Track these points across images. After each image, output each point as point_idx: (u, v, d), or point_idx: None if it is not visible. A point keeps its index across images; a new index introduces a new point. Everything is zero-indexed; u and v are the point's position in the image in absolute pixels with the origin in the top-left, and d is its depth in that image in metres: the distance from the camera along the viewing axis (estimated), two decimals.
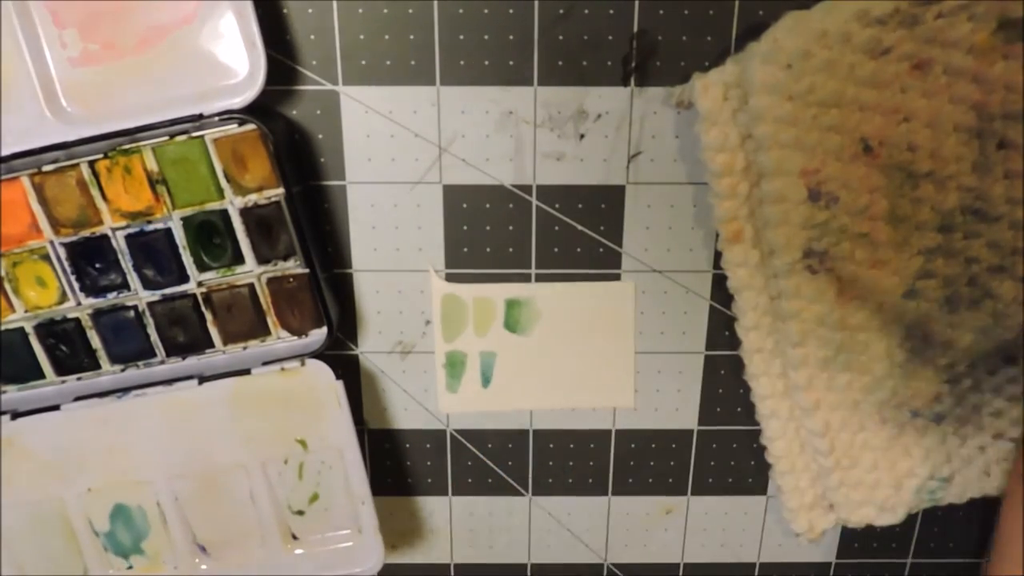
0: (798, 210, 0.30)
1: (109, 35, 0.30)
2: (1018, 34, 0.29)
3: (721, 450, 0.39)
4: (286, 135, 0.33)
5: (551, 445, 0.38)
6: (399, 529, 0.40)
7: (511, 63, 0.32)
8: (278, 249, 0.32)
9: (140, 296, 0.33)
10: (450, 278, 0.35)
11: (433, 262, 0.35)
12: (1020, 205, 0.31)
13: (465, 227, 0.35)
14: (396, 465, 0.39)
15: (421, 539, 0.40)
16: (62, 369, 0.34)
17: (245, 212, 0.32)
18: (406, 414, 0.38)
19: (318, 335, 0.34)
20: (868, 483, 0.36)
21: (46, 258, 0.32)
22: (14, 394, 0.34)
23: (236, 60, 0.30)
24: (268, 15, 0.31)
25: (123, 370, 0.34)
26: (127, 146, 0.30)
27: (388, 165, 0.34)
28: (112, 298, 0.33)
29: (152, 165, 0.31)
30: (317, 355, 0.33)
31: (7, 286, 0.32)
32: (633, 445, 0.38)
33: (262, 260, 0.32)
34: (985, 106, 0.30)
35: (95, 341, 0.33)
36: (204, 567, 0.36)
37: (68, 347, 0.33)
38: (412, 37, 0.32)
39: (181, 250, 0.32)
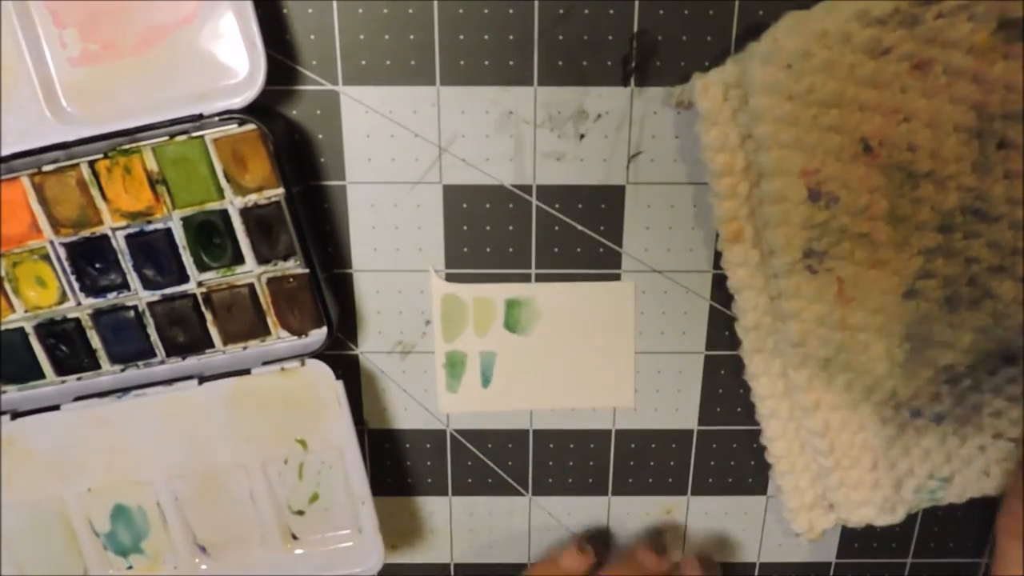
0: (798, 210, 0.30)
1: (109, 35, 0.30)
2: (1018, 34, 0.29)
3: (721, 450, 0.39)
4: (286, 135, 0.33)
5: (551, 445, 0.38)
6: (399, 529, 0.40)
7: (511, 63, 0.32)
8: (278, 249, 0.32)
9: (140, 296, 0.33)
10: (450, 278, 0.35)
11: (433, 262, 0.35)
12: (1020, 205, 0.31)
13: (465, 227, 0.35)
14: (396, 465, 0.39)
15: (421, 539, 0.40)
16: (62, 369, 0.34)
17: (245, 212, 0.32)
18: (406, 414, 0.38)
19: (318, 335, 0.34)
20: (868, 483, 0.36)
21: (46, 258, 0.32)
22: (14, 394, 0.34)
23: (236, 60, 0.30)
24: (268, 15, 0.31)
25: (123, 370, 0.34)
26: (127, 146, 0.30)
27: (388, 165, 0.34)
28: (112, 298, 0.33)
29: (152, 165, 0.31)
30: (317, 355, 0.33)
31: (7, 286, 0.32)
32: (633, 445, 0.38)
33: (262, 260, 0.32)
34: (985, 106, 0.30)
35: (95, 341, 0.33)
36: (204, 567, 0.36)
37: (68, 347, 0.33)
38: (412, 37, 0.32)
39: (181, 250, 0.32)
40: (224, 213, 0.32)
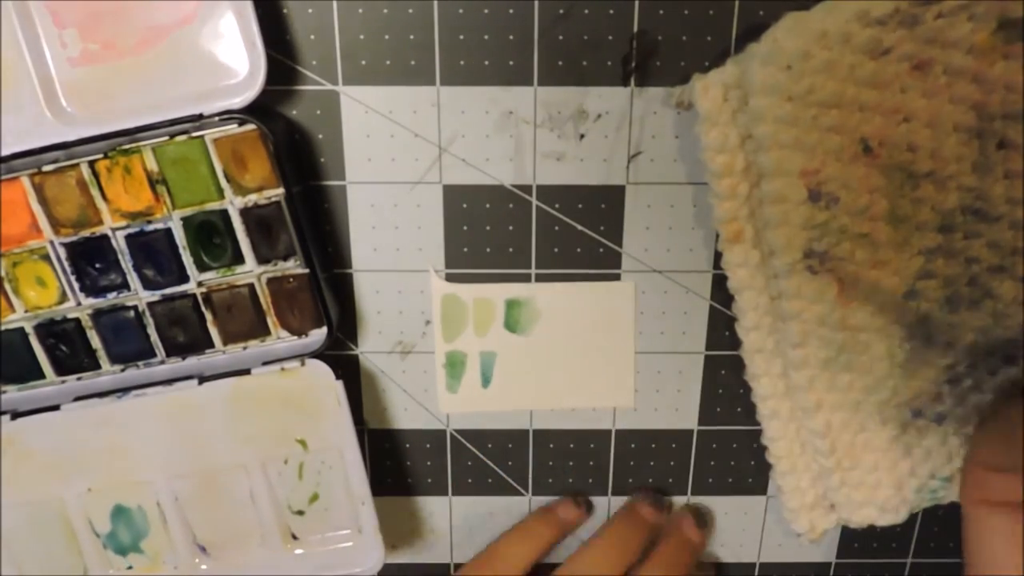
0: (798, 210, 0.30)
1: (109, 35, 0.30)
2: (1018, 34, 0.29)
3: (721, 450, 0.39)
4: (286, 135, 0.33)
5: (551, 445, 0.38)
6: (399, 529, 0.40)
7: (511, 63, 0.32)
8: (278, 249, 0.32)
9: (140, 296, 0.33)
10: (450, 278, 0.35)
11: (433, 262, 0.35)
12: (1020, 205, 0.31)
13: (465, 227, 0.35)
14: (396, 465, 0.39)
15: (421, 539, 0.40)
16: (62, 369, 0.34)
17: (245, 212, 0.32)
18: (406, 414, 0.38)
19: (318, 335, 0.34)
20: (869, 483, 0.36)
21: (46, 258, 0.32)
22: (14, 394, 0.34)
23: (236, 60, 0.30)
24: (268, 15, 0.31)
25: (123, 370, 0.34)
26: (127, 146, 0.30)
27: (388, 165, 0.34)
28: (112, 298, 0.33)
29: (152, 165, 0.31)
30: (317, 355, 0.33)
31: (7, 286, 0.32)
32: (633, 445, 0.38)
33: (262, 260, 0.32)
34: (985, 106, 0.30)
35: (95, 341, 0.33)
36: (204, 567, 0.36)
37: (68, 347, 0.33)
38: (412, 37, 0.32)
39: (181, 250, 0.32)
40: (224, 213, 0.32)
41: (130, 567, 0.36)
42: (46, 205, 0.31)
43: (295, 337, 0.34)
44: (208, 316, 0.33)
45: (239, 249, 0.32)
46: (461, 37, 0.32)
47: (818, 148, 0.30)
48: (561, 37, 0.32)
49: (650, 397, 0.37)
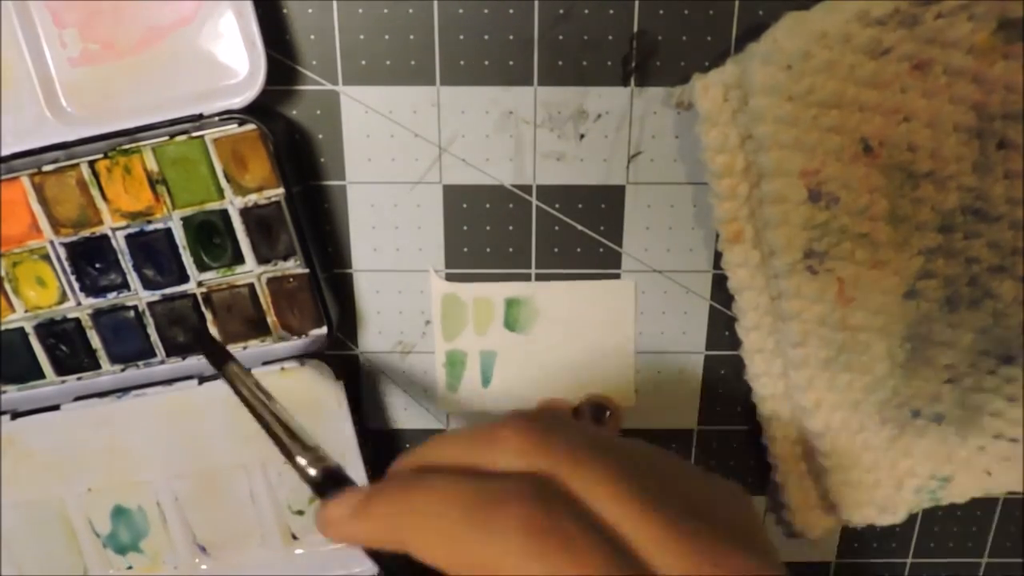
0: (798, 211, 0.30)
1: (109, 35, 0.30)
2: (1018, 34, 0.29)
3: (721, 450, 0.39)
4: (286, 135, 0.33)
5: None
6: None
7: (511, 63, 0.32)
8: (278, 249, 0.32)
9: (140, 296, 0.33)
10: (450, 278, 0.35)
11: (433, 262, 0.35)
12: (1020, 205, 0.31)
13: (465, 227, 0.35)
14: None
15: None
16: (62, 369, 0.34)
17: (245, 212, 0.32)
18: (406, 414, 0.38)
19: (318, 335, 0.34)
20: (869, 483, 0.36)
21: (46, 258, 0.32)
22: (14, 394, 0.34)
23: (236, 60, 0.30)
24: (268, 15, 0.31)
25: (123, 370, 0.34)
26: (127, 146, 0.30)
27: (388, 165, 0.34)
28: (112, 298, 0.33)
29: (152, 165, 0.31)
30: (317, 355, 0.33)
31: (7, 286, 0.32)
32: None
33: (262, 260, 0.32)
34: (985, 106, 0.30)
35: (95, 341, 0.33)
36: (204, 567, 0.36)
37: (68, 347, 0.33)
38: (412, 37, 0.32)
39: (181, 250, 0.32)
40: (224, 213, 0.32)
41: (130, 567, 0.36)
42: (46, 205, 0.31)
43: (295, 337, 0.34)
44: (208, 316, 0.33)
45: (239, 249, 0.32)
46: (461, 37, 0.32)
47: (818, 148, 0.30)
48: (561, 37, 0.32)
49: (650, 397, 0.37)
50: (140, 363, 0.34)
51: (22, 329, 0.33)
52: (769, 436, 0.36)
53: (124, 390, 0.34)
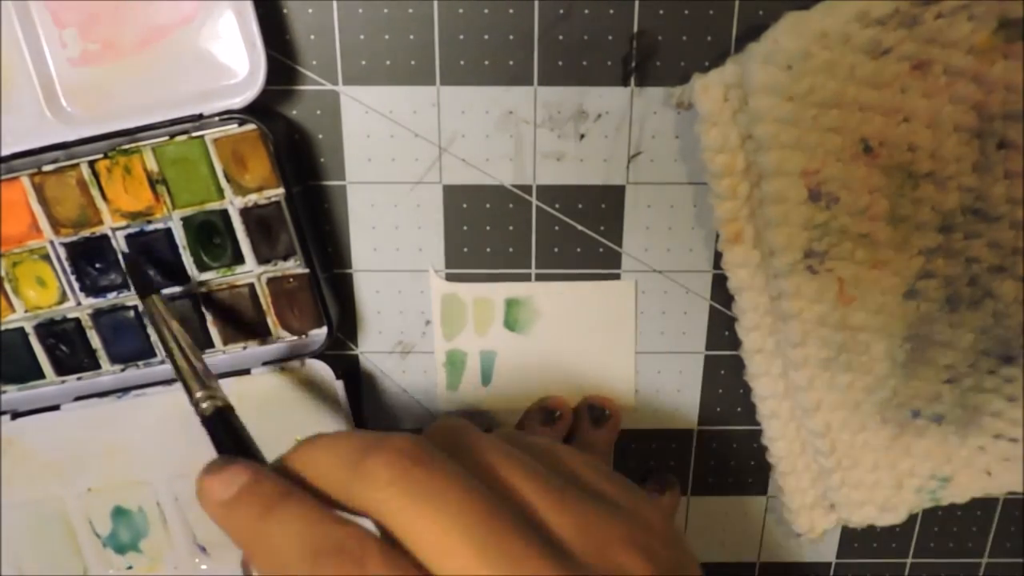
0: (798, 211, 0.30)
1: (109, 35, 0.30)
2: (1018, 34, 0.29)
3: (721, 450, 0.39)
4: (286, 135, 0.33)
5: None
6: None
7: (511, 63, 0.32)
8: (278, 249, 0.32)
9: None
10: (450, 278, 0.35)
11: (433, 262, 0.35)
12: (1020, 205, 0.31)
13: (465, 227, 0.35)
14: None
15: None
16: (62, 369, 0.34)
17: (245, 212, 0.32)
18: (406, 414, 0.38)
19: (318, 335, 0.34)
20: (869, 483, 0.36)
21: (46, 258, 0.32)
22: (14, 394, 0.34)
23: (236, 60, 0.30)
24: (268, 15, 0.31)
25: (123, 370, 0.34)
26: (127, 146, 0.30)
27: (388, 165, 0.34)
28: (112, 298, 0.33)
29: (152, 165, 0.31)
30: (317, 355, 0.33)
31: (7, 286, 0.32)
32: (633, 445, 0.38)
33: (262, 260, 0.32)
34: (985, 106, 0.30)
35: (95, 341, 0.33)
36: (204, 567, 0.36)
37: (68, 347, 0.33)
38: (412, 37, 0.32)
39: (181, 250, 0.32)
40: (224, 213, 0.32)
41: (130, 567, 0.36)
42: (46, 205, 0.31)
43: (295, 337, 0.34)
44: (208, 316, 0.33)
45: (239, 249, 0.32)
46: (461, 37, 0.32)
47: (818, 148, 0.30)
48: (561, 37, 0.32)
49: (650, 397, 0.37)
50: (140, 363, 0.34)
51: (22, 329, 0.33)
52: (769, 436, 0.36)
53: (124, 390, 0.34)
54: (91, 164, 0.31)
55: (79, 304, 0.33)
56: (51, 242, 0.32)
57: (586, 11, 0.31)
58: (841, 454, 0.35)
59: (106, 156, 0.30)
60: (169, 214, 0.31)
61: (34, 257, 0.32)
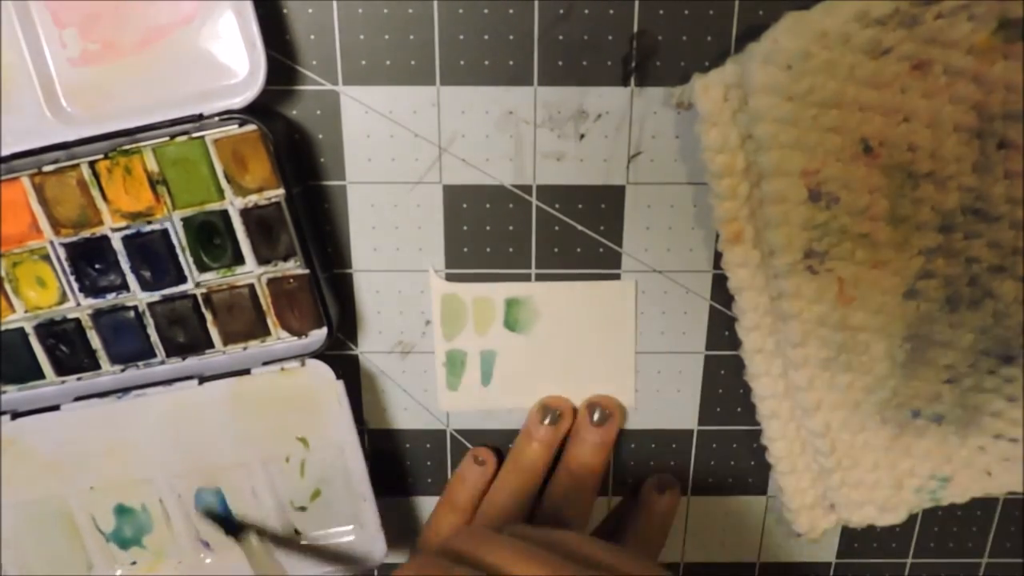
0: (798, 211, 0.30)
1: (109, 35, 0.30)
2: (1018, 34, 0.29)
3: (721, 450, 0.39)
4: (286, 135, 0.33)
5: None
6: (399, 529, 0.40)
7: (511, 63, 0.32)
8: (278, 249, 0.32)
9: (140, 296, 0.33)
10: (450, 278, 0.35)
11: (433, 262, 0.35)
12: (1020, 205, 0.31)
13: (465, 227, 0.35)
14: (396, 465, 0.39)
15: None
16: (62, 369, 0.34)
17: (245, 213, 0.32)
18: (406, 414, 0.38)
19: (318, 335, 0.34)
20: (869, 483, 0.36)
21: (46, 258, 0.32)
22: (14, 394, 0.34)
23: (236, 60, 0.30)
24: (268, 15, 0.31)
25: (123, 370, 0.34)
26: (127, 146, 0.30)
27: (388, 165, 0.34)
28: (112, 298, 0.33)
29: (152, 165, 0.31)
30: (317, 355, 0.33)
31: (7, 286, 0.32)
32: (633, 445, 0.38)
33: (262, 260, 0.32)
34: (985, 106, 0.30)
35: (95, 341, 0.33)
36: (208, 561, 0.37)
37: (68, 347, 0.33)
38: (412, 37, 0.32)
39: (181, 251, 0.32)
40: (224, 213, 0.32)
41: (134, 562, 0.36)
42: (46, 205, 0.31)
43: (295, 337, 0.34)
44: (208, 316, 0.33)
45: (239, 249, 0.32)
46: (461, 37, 0.32)
47: (818, 148, 0.30)
48: (561, 37, 0.32)
49: (650, 397, 0.37)
50: (140, 363, 0.34)
51: (22, 329, 0.33)
52: (769, 436, 0.36)
53: (124, 390, 0.34)
54: (91, 164, 0.31)
55: (79, 304, 0.33)
56: (51, 242, 0.32)
57: (586, 11, 0.31)
58: (841, 454, 0.35)
59: (106, 156, 0.30)
60: (169, 215, 0.31)
61: (34, 257, 0.32)
